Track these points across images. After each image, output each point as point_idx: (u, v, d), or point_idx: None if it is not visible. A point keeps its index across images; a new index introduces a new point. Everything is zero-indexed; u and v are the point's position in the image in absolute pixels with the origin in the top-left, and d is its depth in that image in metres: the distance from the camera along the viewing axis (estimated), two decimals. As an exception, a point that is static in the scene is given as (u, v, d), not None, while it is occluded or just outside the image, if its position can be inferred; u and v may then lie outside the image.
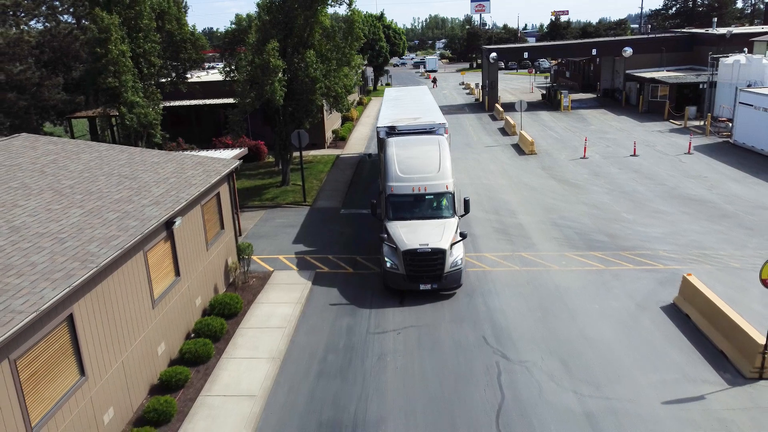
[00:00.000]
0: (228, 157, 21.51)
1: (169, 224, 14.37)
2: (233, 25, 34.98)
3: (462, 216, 19.83)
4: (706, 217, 24.20)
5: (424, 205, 19.19)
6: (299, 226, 25.40)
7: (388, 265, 17.79)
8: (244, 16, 34.14)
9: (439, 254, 17.34)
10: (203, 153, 23.07)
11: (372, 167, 35.07)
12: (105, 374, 11.46)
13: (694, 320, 15.80)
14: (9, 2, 28.62)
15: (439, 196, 19.18)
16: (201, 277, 16.77)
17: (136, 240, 12.34)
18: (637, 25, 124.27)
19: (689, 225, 23.42)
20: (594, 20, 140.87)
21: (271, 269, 20.56)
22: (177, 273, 15.12)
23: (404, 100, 31.16)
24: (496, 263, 20.45)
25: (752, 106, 34.53)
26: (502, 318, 16.59)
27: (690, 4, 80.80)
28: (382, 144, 22.36)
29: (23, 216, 12.42)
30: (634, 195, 27.71)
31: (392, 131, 22.35)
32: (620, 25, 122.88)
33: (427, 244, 17.45)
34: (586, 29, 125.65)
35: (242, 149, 24.96)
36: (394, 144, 20.98)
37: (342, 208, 27.73)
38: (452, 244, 17.79)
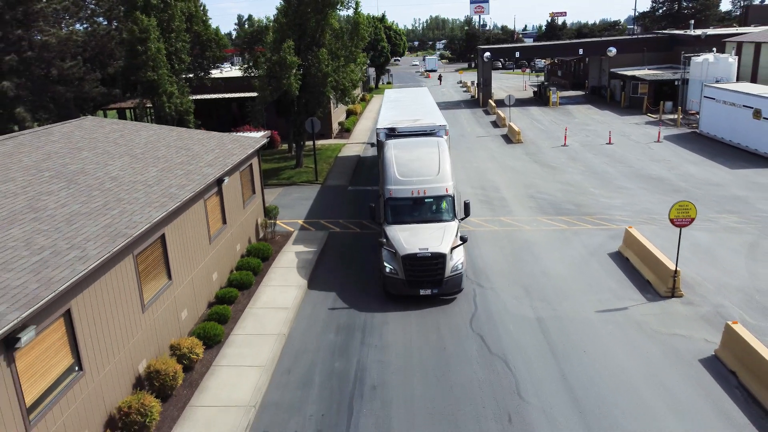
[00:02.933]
0: (256, 137, 25.66)
1: (219, 181, 18.54)
2: (236, 27, 39.01)
3: (462, 219, 19.59)
4: (660, 191, 28.32)
5: (423, 209, 18.91)
6: (313, 199, 29.61)
7: (387, 270, 17.46)
8: (245, 17, 38.20)
9: (439, 259, 17.08)
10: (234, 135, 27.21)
11: (373, 156, 39.19)
12: (183, 282, 15.64)
13: (631, 261, 19.97)
14: (60, 6, 32.75)
15: (438, 199, 18.88)
16: (239, 228, 20.94)
17: (202, 188, 16.54)
18: (632, 27, 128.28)
19: (645, 197, 27.55)
20: (595, 21, 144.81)
21: (292, 230, 24.76)
22: (224, 221, 19.30)
23: (404, 102, 31.25)
24: (479, 225, 24.59)
25: (714, 99, 38.68)
26: (480, 261, 20.73)
27: (675, 6, 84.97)
28: (381, 146, 22.13)
29: (116, 171, 16.60)
30: (603, 175, 31.87)
31: (392, 133, 22.12)
32: (614, 27, 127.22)
33: (427, 249, 17.17)
34: (581, 30, 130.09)
35: (266, 131, 29.08)
36: (393, 146, 20.68)
37: (349, 186, 31.94)
38: (453, 248, 17.53)
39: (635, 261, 19.73)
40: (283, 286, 18.83)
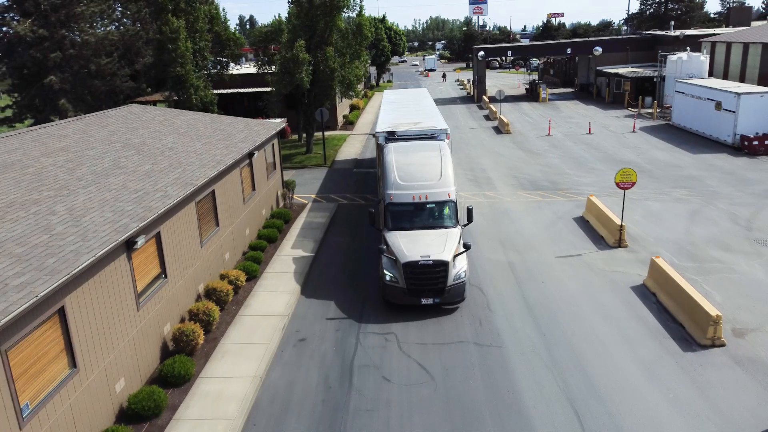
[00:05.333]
0: (276, 122, 29.77)
1: (250, 155, 22.62)
2: (238, 28, 43.08)
3: (465, 225, 19.16)
4: (627, 172, 32.36)
5: (425, 215, 18.42)
6: (323, 179, 33.73)
7: (388, 278, 16.96)
8: (247, 18, 42.33)
9: (441, 267, 16.59)
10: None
11: (374, 151, 43.27)
12: (226, 231, 19.73)
13: (591, 223, 24.04)
14: (97, 9, 36.85)
15: (440, 204, 18.44)
16: (264, 197, 25.01)
17: (239, 157, 20.63)
18: (626, 27, 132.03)
19: (612, 176, 31.45)
20: (589, 22, 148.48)
21: (307, 202, 28.87)
22: (253, 188, 23.38)
23: (404, 104, 31.17)
24: (466, 198, 28.63)
25: (684, 93, 42.74)
26: (466, 224, 24.80)
27: (662, 9, 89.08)
28: (380, 150, 21.69)
29: (170, 144, 20.68)
30: (579, 159, 35.95)
31: (392, 137, 21.79)
32: (607, 27, 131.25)
33: (429, 256, 16.66)
34: (576, 31, 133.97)
35: (283, 119, 33.17)
36: (393, 150, 20.30)
37: (354, 168, 36.06)
38: (455, 256, 17.06)
39: (593, 222, 23.82)
40: (303, 240, 22.94)
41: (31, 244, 11.18)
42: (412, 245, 17.20)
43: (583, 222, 24.46)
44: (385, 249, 17.57)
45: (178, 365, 13.46)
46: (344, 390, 13.61)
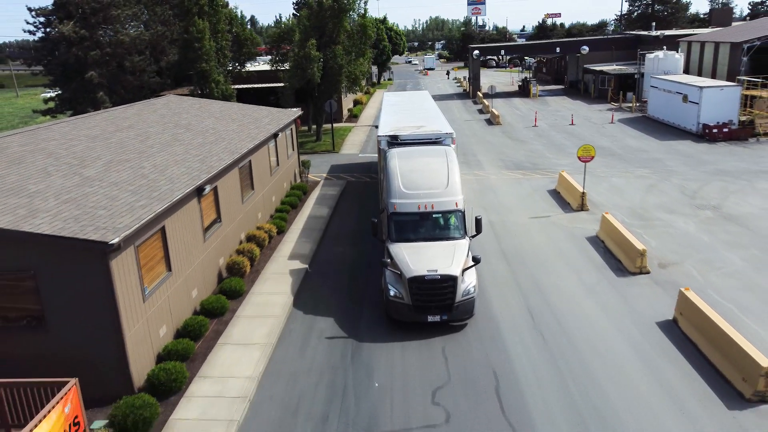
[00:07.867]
0: (294, 110, 34.29)
1: (275, 135, 27.09)
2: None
3: (474, 236, 18.14)
4: (600, 155, 36.63)
5: (431, 225, 17.48)
6: (332, 162, 38.26)
7: (392, 293, 16.01)
8: (248, 18, 46.76)
9: (449, 281, 15.62)
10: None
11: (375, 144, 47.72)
12: (258, 195, 24.20)
13: (561, 193, 28.53)
14: (130, 12, 41.34)
15: (447, 214, 17.54)
16: (285, 172, 29.48)
17: (268, 135, 25.12)
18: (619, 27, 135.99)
19: (586, 159, 36.06)
20: (592, 22, 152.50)
21: (319, 179, 33.38)
22: (277, 164, 27.86)
23: (405, 106, 30.53)
24: (458, 176, 33.12)
25: (657, 88, 47.21)
26: (456, 196, 29.24)
27: (649, 10, 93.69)
28: (382, 155, 20.88)
29: (210, 125, 25.14)
30: (560, 146, 40.42)
31: (395, 141, 20.99)
32: (600, 27, 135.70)
33: (436, 270, 15.69)
34: (570, 31, 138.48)
35: (299, 108, 37.65)
36: (396, 156, 19.31)
37: (359, 153, 40.57)
38: (464, 270, 16.09)
39: (563, 192, 28.32)
40: (319, 207, 27.48)
41: (137, 185, 15.67)
42: (418, 258, 16.20)
43: (555, 193, 28.93)
44: (389, 262, 16.54)
45: (234, 282, 17.96)
46: (358, 300, 18.12)
